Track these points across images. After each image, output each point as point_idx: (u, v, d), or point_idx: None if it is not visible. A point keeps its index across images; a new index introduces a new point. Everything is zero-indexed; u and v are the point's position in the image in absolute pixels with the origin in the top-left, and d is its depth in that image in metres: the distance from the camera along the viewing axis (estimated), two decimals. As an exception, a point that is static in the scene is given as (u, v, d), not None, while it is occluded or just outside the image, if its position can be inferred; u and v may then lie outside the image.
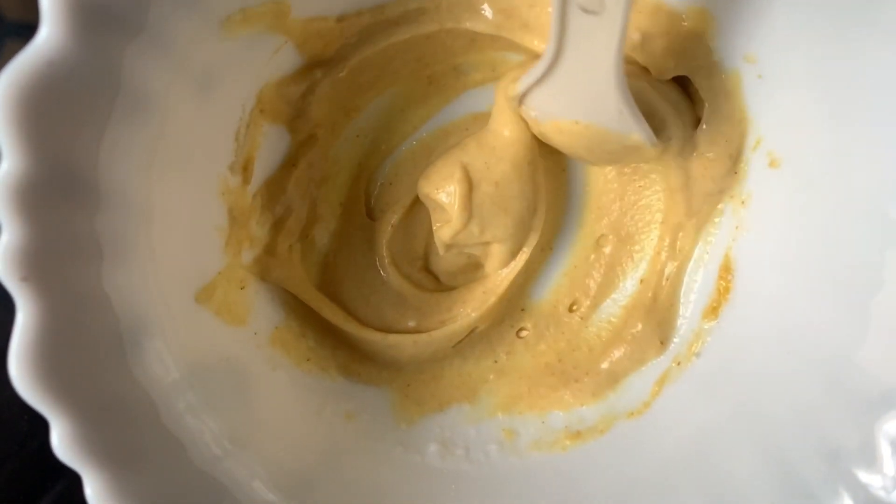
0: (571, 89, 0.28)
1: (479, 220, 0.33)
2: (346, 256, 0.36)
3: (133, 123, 0.25)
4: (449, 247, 0.34)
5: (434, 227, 0.35)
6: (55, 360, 0.23)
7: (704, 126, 0.32)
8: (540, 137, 0.32)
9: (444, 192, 0.33)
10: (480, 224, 0.33)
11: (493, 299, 0.35)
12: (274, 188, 0.33)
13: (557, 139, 0.31)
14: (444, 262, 0.36)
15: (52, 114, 0.22)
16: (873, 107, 0.27)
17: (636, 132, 0.29)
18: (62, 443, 0.23)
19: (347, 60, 0.32)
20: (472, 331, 0.36)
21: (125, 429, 0.25)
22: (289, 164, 0.33)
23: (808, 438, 0.28)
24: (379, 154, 0.36)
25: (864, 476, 0.26)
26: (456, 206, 0.33)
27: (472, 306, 0.36)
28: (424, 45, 0.33)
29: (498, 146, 0.33)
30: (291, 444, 0.31)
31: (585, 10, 0.22)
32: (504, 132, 0.32)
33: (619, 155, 0.31)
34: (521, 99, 0.30)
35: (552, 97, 0.29)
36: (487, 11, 0.32)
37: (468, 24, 0.32)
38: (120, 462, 0.24)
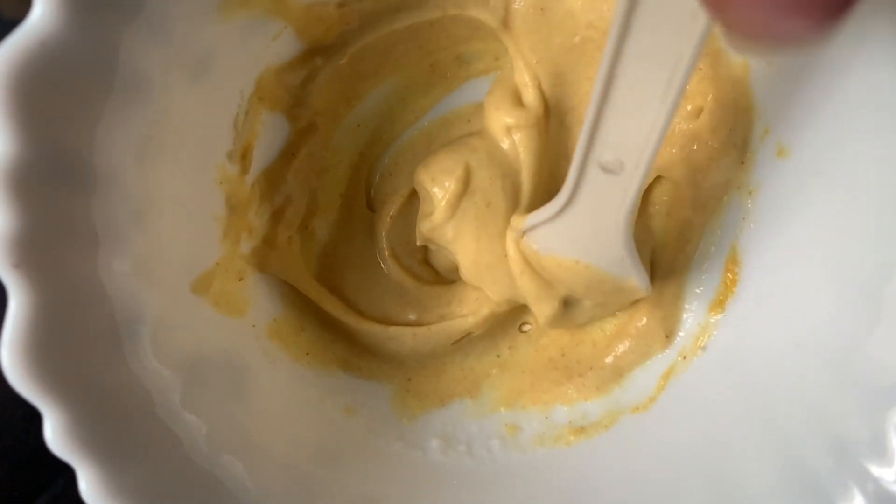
0: (577, 233, 0.28)
1: (455, 224, 0.33)
2: (345, 248, 0.35)
3: (130, 108, 0.25)
4: (426, 239, 0.34)
5: (418, 216, 0.34)
6: (48, 350, 0.22)
7: (708, 115, 0.32)
8: (536, 267, 0.32)
9: (438, 185, 0.32)
10: (455, 230, 0.33)
11: (485, 309, 0.35)
12: (273, 178, 0.32)
13: (555, 272, 0.31)
14: (440, 256, 0.36)
15: (45, 96, 0.22)
16: (883, 94, 0.27)
17: (634, 278, 0.30)
18: (55, 435, 0.22)
19: (348, 47, 0.32)
20: (469, 334, 0.35)
21: (120, 421, 0.24)
22: (288, 153, 0.33)
23: (817, 432, 0.27)
24: (380, 144, 0.36)
25: (876, 469, 0.25)
26: (443, 203, 0.32)
27: (468, 307, 0.35)
28: (427, 33, 0.33)
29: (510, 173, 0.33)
30: (290, 439, 0.30)
31: (604, 169, 0.22)
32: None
33: (611, 296, 0.32)
34: (525, 232, 0.31)
35: (557, 236, 0.29)
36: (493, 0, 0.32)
37: (472, 12, 0.32)
38: (115, 455, 0.23)
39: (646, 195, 0.35)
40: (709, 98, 0.31)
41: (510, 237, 0.32)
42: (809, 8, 0.12)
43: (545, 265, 0.31)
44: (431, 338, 0.34)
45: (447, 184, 0.32)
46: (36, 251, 0.22)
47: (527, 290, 0.32)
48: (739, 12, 0.12)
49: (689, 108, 0.32)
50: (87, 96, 0.23)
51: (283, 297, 0.33)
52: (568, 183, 0.26)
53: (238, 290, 0.31)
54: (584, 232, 0.28)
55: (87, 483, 0.23)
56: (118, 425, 0.24)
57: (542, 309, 0.33)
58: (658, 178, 0.34)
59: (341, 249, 0.35)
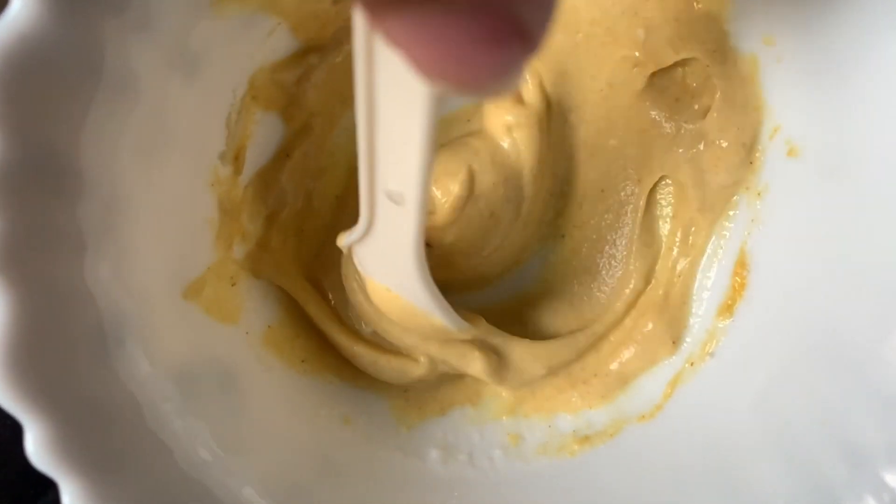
0: (381, 259, 0.27)
1: (457, 231, 0.32)
2: (340, 252, 0.34)
3: (117, 107, 0.24)
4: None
5: None
6: (30, 359, 0.22)
7: (715, 114, 0.31)
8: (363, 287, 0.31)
9: (441, 187, 0.31)
10: (457, 234, 0.32)
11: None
12: (267, 180, 0.31)
13: (375, 298, 0.30)
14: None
15: (27, 94, 0.21)
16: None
17: (438, 317, 0.29)
18: (37, 448, 0.22)
19: (344, 45, 0.31)
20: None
21: (107, 432, 0.23)
22: (283, 154, 0.32)
23: (830, 440, 0.27)
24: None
25: (892, 479, 0.24)
26: (447, 206, 0.31)
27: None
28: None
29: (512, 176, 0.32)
30: (285, 449, 0.29)
31: (390, 198, 0.22)
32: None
33: (430, 332, 0.30)
34: (350, 248, 0.29)
35: (369, 258, 0.28)
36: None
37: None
38: (101, 468, 0.22)
39: (651, 196, 0.34)
40: (716, 96, 0.30)
41: (345, 253, 0.31)
42: (484, 47, 0.11)
43: (368, 287, 0.30)
44: (392, 371, 0.33)
45: (451, 187, 0.31)
46: (18, 256, 0.21)
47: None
48: (415, 55, 0.11)
49: (695, 107, 0.31)
50: (72, 94, 0.22)
51: (278, 302, 0.32)
52: (362, 203, 0.24)
53: (231, 296, 0.30)
54: (387, 259, 0.27)
55: (70, 498, 0.22)
56: (105, 436, 0.23)
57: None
58: (662, 179, 0.33)
59: (336, 252, 0.34)
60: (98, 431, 0.23)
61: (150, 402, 0.25)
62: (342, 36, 0.31)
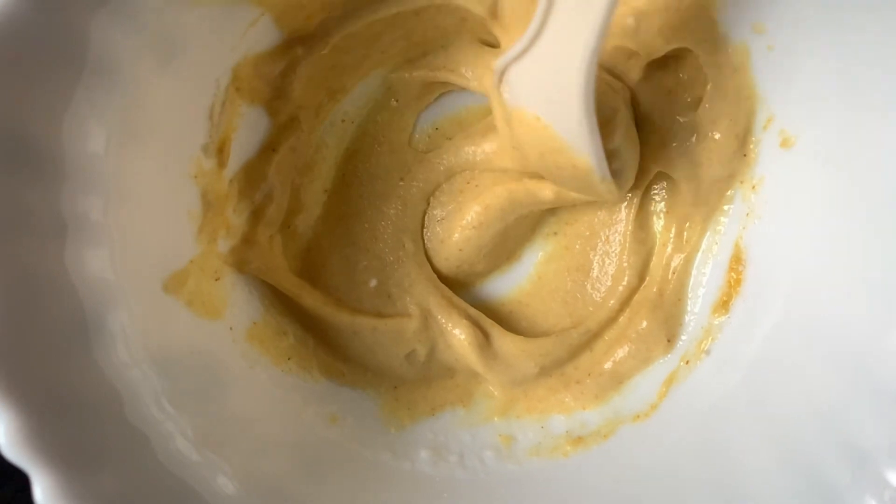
0: (543, 78, 0.26)
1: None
2: (329, 241, 0.34)
3: (100, 94, 0.24)
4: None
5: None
6: (4, 348, 0.21)
7: (707, 105, 0.30)
8: (507, 125, 0.30)
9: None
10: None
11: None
12: (253, 174, 0.31)
13: (518, 131, 0.29)
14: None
15: (6, 79, 0.21)
16: (892, 78, 0.25)
17: (589, 155, 0.27)
18: (10, 439, 0.21)
19: (330, 37, 0.31)
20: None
21: (85, 423, 0.23)
22: (269, 148, 0.31)
23: (831, 439, 0.26)
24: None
25: (894, 477, 0.24)
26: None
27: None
28: (413, 22, 0.31)
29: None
30: (268, 447, 0.29)
31: None
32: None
33: (566, 176, 0.29)
34: (502, 75, 0.29)
35: (525, 80, 0.27)
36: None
37: (459, 1, 0.31)
38: (76, 460, 0.22)
39: (644, 192, 0.33)
40: (707, 87, 0.30)
41: (493, 84, 0.29)
42: None
43: (512, 120, 0.29)
44: (388, 335, 0.33)
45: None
46: (-5, 242, 0.21)
47: None
48: None
49: (688, 98, 0.31)
50: (53, 81, 0.22)
51: (264, 299, 0.32)
52: (538, 9, 0.24)
53: (214, 291, 0.30)
54: (548, 78, 0.26)
55: (43, 491, 0.21)
56: (82, 428, 0.23)
57: None
58: (656, 174, 0.33)
59: (324, 242, 0.34)
60: (75, 422, 0.23)
61: (130, 393, 0.25)
62: (328, 27, 0.30)
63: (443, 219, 0.34)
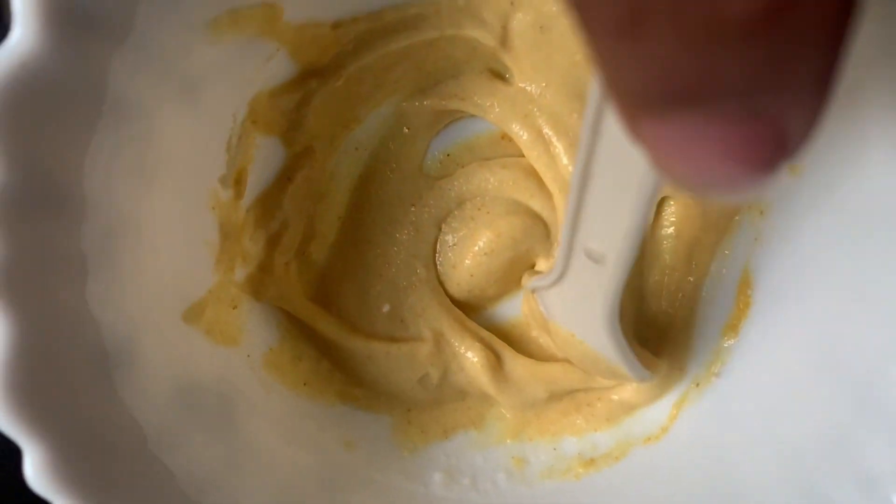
0: (571, 308, 0.28)
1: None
2: (342, 267, 0.34)
3: (119, 132, 0.24)
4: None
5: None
6: (31, 382, 0.22)
7: None
8: (543, 327, 0.32)
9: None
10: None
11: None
12: (268, 203, 0.31)
13: (556, 340, 0.31)
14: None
15: (28, 120, 0.21)
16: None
17: (625, 368, 0.29)
18: (37, 472, 0.21)
19: (344, 69, 0.31)
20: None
21: (109, 456, 0.23)
22: (284, 177, 0.32)
23: (841, 463, 0.26)
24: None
25: (905, 503, 0.24)
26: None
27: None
28: (424, 53, 0.32)
29: None
30: (287, 473, 0.29)
31: (589, 256, 0.23)
32: None
33: (610, 375, 0.31)
34: (534, 291, 0.31)
35: (556, 304, 0.29)
36: (490, 19, 0.31)
37: (469, 32, 0.31)
38: (102, 492, 0.22)
39: (655, 215, 0.34)
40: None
41: (525, 292, 0.32)
42: (740, 158, 0.11)
43: (551, 329, 0.31)
44: (402, 359, 0.33)
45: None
46: (19, 280, 0.22)
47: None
48: (665, 160, 0.11)
49: None
50: (74, 120, 0.23)
51: (280, 325, 0.32)
52: (558, 260, 0.25)
53: (232, 319, 0.30)
54: (575, 309, 0.28)
55: (70, 522, 0.22)
56: (106, 460, 0.23)
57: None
58: (666, 198, 0.33)
59: (338, 268, 0.34)
60: (99, 455, 0.23)
61: (151, 425, 0.25)
62: (342, 60, 0.31)
63: (454, 244, 0.34)
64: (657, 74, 0.10)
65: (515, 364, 0.33)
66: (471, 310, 0.35)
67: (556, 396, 0.33)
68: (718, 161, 0.10)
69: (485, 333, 0.34)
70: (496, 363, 0.33)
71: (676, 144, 0.10)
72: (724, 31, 0.09)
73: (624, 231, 0.20)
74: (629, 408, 0.33)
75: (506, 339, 0.35)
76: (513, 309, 0.35)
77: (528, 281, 0.30)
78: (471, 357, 0.33)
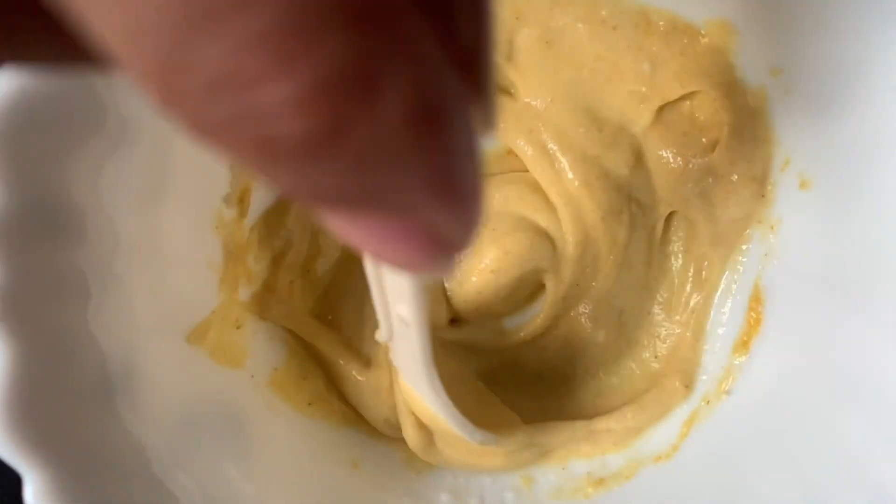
0: (407, 365, 0.27)
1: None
2: (345, 280, 0.34)
3: (120, 154, 0.24)
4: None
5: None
6: (31, 408, 0.21)
7: (724, 147, 0.30)
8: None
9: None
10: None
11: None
12: (272, 221, 0.31)
13: (405, 394, 0.30)
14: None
15: (28, 144, 0.21)
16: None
17: (455, 429, 0.28)
18: (37, 499, 0.21)
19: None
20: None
21: (112, 481, 0.23)
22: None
23: (853, 481, 0.26)
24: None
25: (919, 522, 0.23)
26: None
27: None
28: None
29: None
30: (293, 495, 0.29)
31: (400, 319, 0.22)
32: None
33: (453, 439, 0.30)
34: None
35: (398, 358, 0.28)
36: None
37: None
38: (105, 519, 0.22)
39: (662, 231, 0.33)
40: (725, 129, 0.30)
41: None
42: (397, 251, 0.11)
43: (401, 386, 0.30)
44: (371, 388, 0.32)
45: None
46: (20, 303, 0.21)
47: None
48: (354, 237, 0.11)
49: (703, 140, 0.31)
50: (74, 144, 0.23)
51: (285, 344, 0.32)
52: (380, 320, 0.25)
53: (236, 340, 0.30)
54: (408, 367, 0.27)
55: (71, 550, 0.22)
56: (109, 485, 0.23)
57: (407, 432, 0.31)
58: (673, 213, 0.33)
59: (342, 285, 0.34)
60: (102, 480, 0.23)
61: (156, 448, 0.25)
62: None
63: (461, 261, 0.34)
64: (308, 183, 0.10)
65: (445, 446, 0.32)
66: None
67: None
68: (386, 251, 0.11)
69: (510, 439, 0.32)
70: (428, 439, 0.31)
71: (349, 231, 0.11)
72: (283, 153, 0.09)
73: (409, 296, 0.20)
74: (634, 432, 0.32)
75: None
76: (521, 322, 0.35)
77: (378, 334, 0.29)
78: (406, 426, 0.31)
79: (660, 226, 0.33)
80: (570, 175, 0.32)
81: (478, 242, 0.34)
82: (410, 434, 0.30)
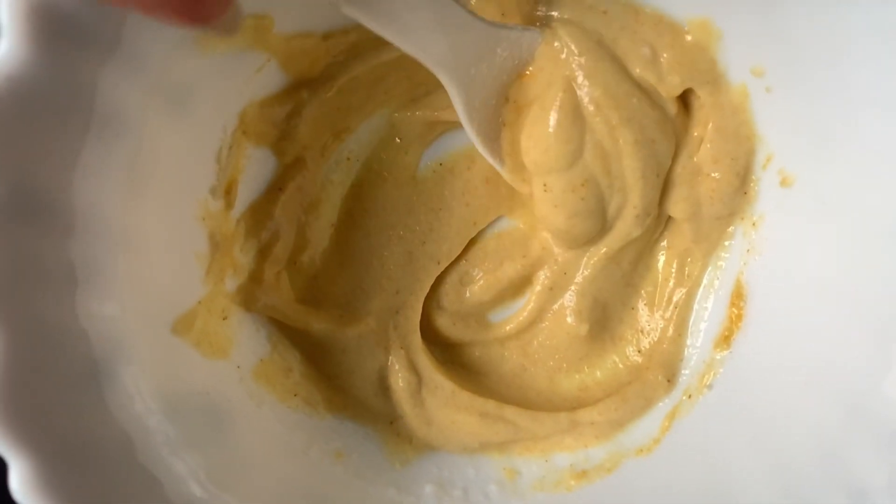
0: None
1: None
2: (336, 271, 0.34)
3: (108, 145, 0.24)
4: None
5: None
6: (16, 395, 0.21)
7: (708, 144, 0.31)
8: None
9: None
10: None
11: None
12: (259, 213, 0.31)
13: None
14: None
15: (14, 134, 0.21)
16: (889, 119, 0.26)
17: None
18: (23, 486, 0.21)
19: (335, 80, 0.31)
20: None
21: (97, 468, 0.23)
22: (275, 188, 0.32)
23: (831, 475, 0.26)
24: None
25: (894, 515, 0.24)
26: None
27: None
28: (415, 64, 0.32)
29: None
30: (276, 485, 0.29)
31: None
32: None
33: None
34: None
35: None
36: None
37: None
38: (89, 502, 0.22)
39: (653, 227, 0.34)
40: (709, 127, 0.30)
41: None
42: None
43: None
44: (359, 343, 0.34)
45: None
46: (7, 292, 0.22)
47: None
48: None
49: (694, 133, 0.31)
50: (61, 134, 0.23)
51: (270, 336, 0.32)
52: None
53: (222, 330, 0.30)
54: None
55: (56, 536, 0.22)
56: (94, 472, 0.23)
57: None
58: (661, 212, 0.33)
59: (329, 273, 0.34)
60: (87, 467, 0.23)
61: (141, 436, 0.25)
62: (333, 71, 0.31)
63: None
64: None
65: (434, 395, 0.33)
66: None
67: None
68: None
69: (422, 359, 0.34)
70: (417, 385, 0.33)
71: None
72: None
73: None
74: (617, 424, 0.33)
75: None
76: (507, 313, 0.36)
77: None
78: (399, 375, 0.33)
79: (659, 230, 0.34)
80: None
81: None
82: None
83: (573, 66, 0.29)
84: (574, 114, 0.29)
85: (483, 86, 0.29)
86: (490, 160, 0.31)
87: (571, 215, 0.31)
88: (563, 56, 0.29)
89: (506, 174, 0.31)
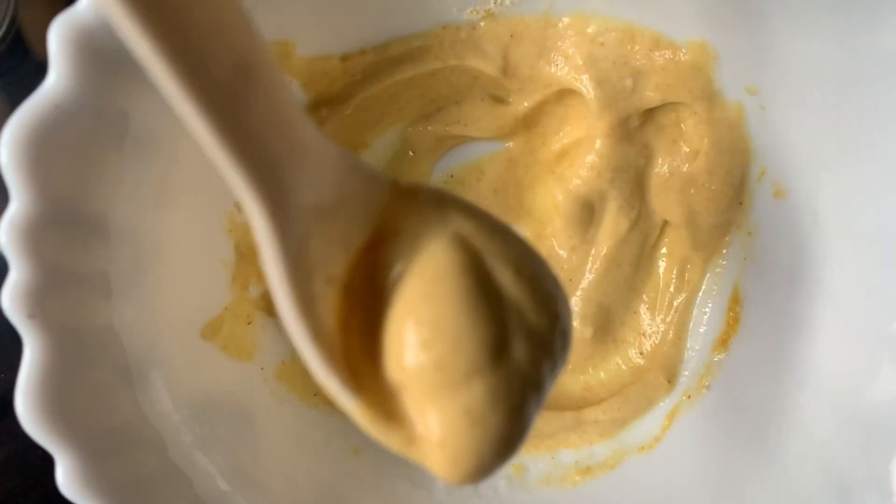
0: None
1: None
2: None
3: (141, 163, 0.26)
4: None
5: None
6: (61, 397, 0.23)
7: (704, 157, 0.32)
8: None
9: None
10: None
11: None
12: (282, 224, 0.33)
13: None
14: None
15: (59, 156, 0.23)
16: (879, 135, 0.27)
17: None
18: (67, 479, 0.23)
19: (352, 98, 0.33)
20: None
21: (133, 464, 0.25)
22: (296, 199, 0.33)
23: (821, 473, 0.27)
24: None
25: (877, 505, 0.25)
26: None
27: None
28: (428, 82, 0.33)
29: None
30: (298, 480, 0.31)
31: None
32: None
33: None
34: None
35: None
36: (490, 51, 0.32)
37: (471, 62, 0.32)
38: (127, 498, 0.24)
39: (650, 235, 0.35)
40: (705, 141, 0.32)
41: None
42: None
43: None
44: None
45: None
46: (50, 302, 0.23)
47: None
48: None
49: (686, 149, 0.33)
50: (100, 154, 0.24)
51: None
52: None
53: (246, 334, 0.32)
54: None
55: (97, 526, 0.23)
56: (131, 468, 0.25)
57: None
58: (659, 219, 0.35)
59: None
60: (124, 463, 0.25)
61: (172, 435, 0.27)
62: (350, 90, 0.32)
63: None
64: None
65: None
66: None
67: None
68: None
69: None
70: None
71: None
72: None
73: None
74: (620, 423, 0.34)
75: None
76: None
77: None
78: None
79: (654, 234, 0.35)
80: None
81: None
82: None
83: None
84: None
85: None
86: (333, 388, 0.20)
87: None
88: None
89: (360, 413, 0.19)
